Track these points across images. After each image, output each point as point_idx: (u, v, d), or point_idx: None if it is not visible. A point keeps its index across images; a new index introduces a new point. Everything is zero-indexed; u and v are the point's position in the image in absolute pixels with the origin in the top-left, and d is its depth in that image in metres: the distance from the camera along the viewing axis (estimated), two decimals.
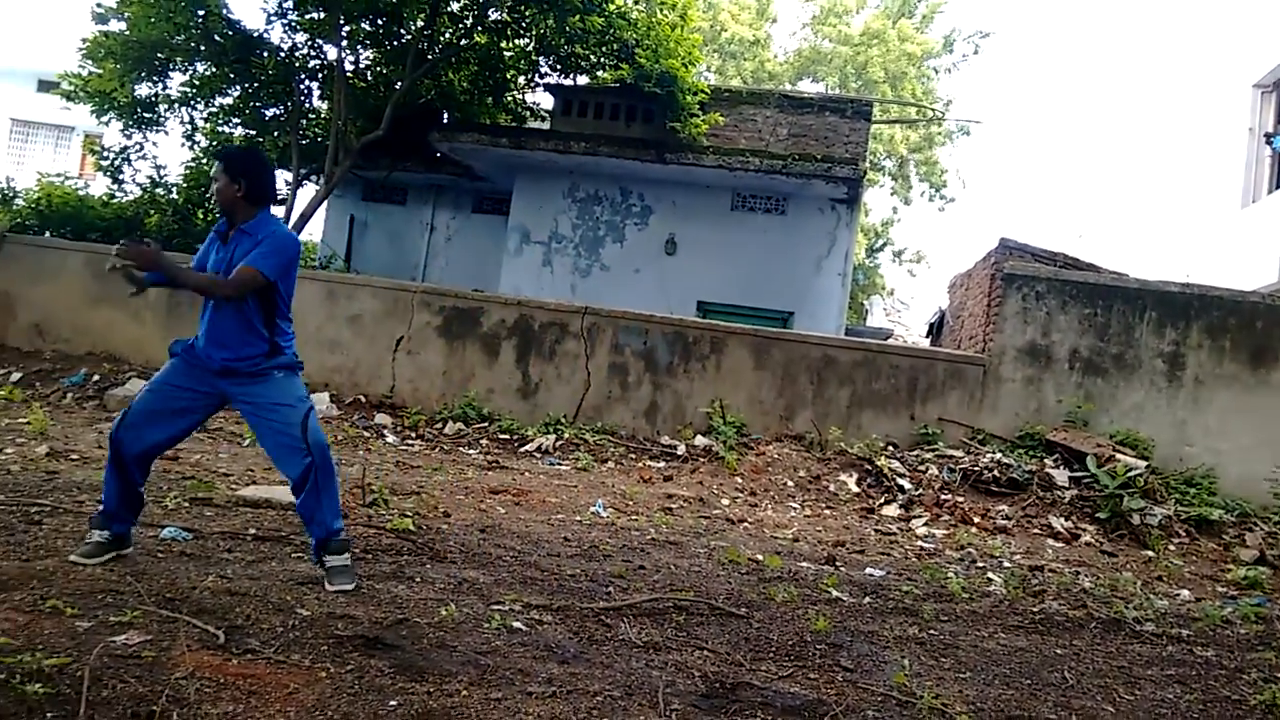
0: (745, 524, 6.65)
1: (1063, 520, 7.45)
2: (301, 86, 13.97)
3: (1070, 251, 11.58)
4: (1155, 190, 21.21)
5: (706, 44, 25.34)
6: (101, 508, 3.82)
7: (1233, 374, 8.73)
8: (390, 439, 8.53)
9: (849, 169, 12.46)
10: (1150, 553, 7.04)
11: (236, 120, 14.28)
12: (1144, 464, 8.05)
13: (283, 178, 13.97)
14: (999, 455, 8.29)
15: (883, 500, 7.71)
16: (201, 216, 13.83)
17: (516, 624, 3.64)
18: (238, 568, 3.93)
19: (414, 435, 8.80)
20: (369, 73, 14.40)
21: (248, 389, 3.86)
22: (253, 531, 4.57)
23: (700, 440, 9.00)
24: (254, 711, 2.58)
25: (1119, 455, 8.07)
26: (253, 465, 6.45)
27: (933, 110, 26.50)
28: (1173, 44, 20.98)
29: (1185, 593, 5.96)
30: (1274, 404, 8.62)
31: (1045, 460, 8.31)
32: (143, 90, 13.57)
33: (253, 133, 14.33)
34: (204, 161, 14.28)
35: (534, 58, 14.11)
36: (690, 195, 13.70)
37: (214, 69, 13.35)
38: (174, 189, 14.05)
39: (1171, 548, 7.24)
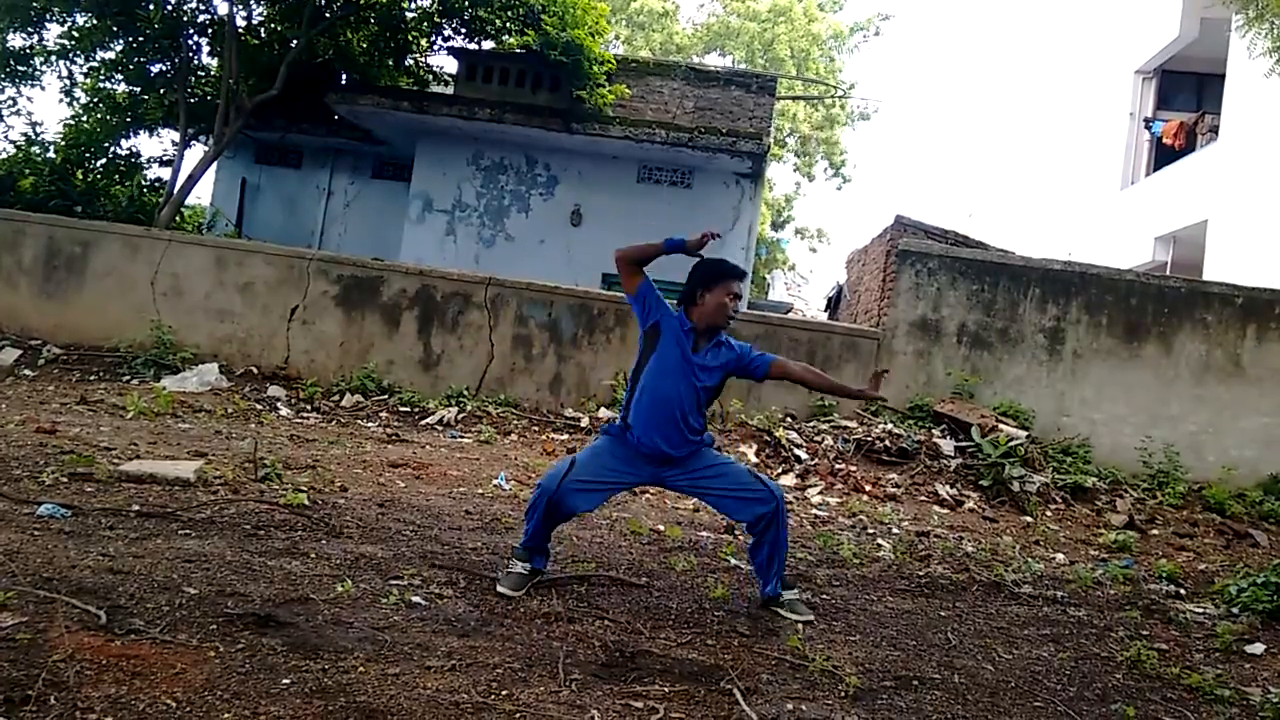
0: (647, 495, 6.73)
1: (948, 488, 7.77)
2: (190, 42, 13.34)
3: (961, 230, 12.00)
4: (1040, 171, 22.08)
5: (615, 13, 25.16)
6: (524, 543, 3.99)
7: (1109, 348, 9.21)
8: (284, 412, 8.31)
9: (753, 143, 12.61)
10: (1029, 518, 7.41)
11: (119, 76, 13.55)
12: (1024, 434, 8.45)
13: (169, 138, 13.37)
14: (890, 426, 8.58)
15: (780, 470, 7.90)
16: (81, 177, 13.11)
17: (416, 599, 3.62)
18: (120, 545, 3.79)
19: (309, 408, 8.59)
20: (262, 29, 13.84)
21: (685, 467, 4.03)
22: (136, 508, 4.40)
23: (604, 412, 9.04)
24: (138, 693, 2.50)
25: (1001, 426, 8.44)
26: (136, 439, 6.20)
27: (835, 88, 26.95)
28: (1059, 30, 21.80)
29: (1060, 556, 6.31)
30: (1145, 377, 9.14)
31: (933, 430, 8.64)
32: (16, 41, 12.76)
33: (136, 89, 13.62)
34: (83, 119, 13.52)
35: (437, 20, 13.78)
36: (597, 166, 13.65)
37: (95, 20, 12.62)
38: (51, 147, 13.28)
39: (1048, 514, 7.63)
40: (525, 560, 3.96)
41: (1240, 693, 3.62)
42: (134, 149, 14.19)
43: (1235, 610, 5.05)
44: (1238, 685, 3.72)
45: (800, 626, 3.89)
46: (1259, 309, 9.14)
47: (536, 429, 8.70)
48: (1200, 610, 5.07)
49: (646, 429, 3.94)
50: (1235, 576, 5.65)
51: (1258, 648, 4.37)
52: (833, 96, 27.06)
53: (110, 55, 13.34)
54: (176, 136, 13.19)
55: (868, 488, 7.59)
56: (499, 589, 3.84)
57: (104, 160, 13.65)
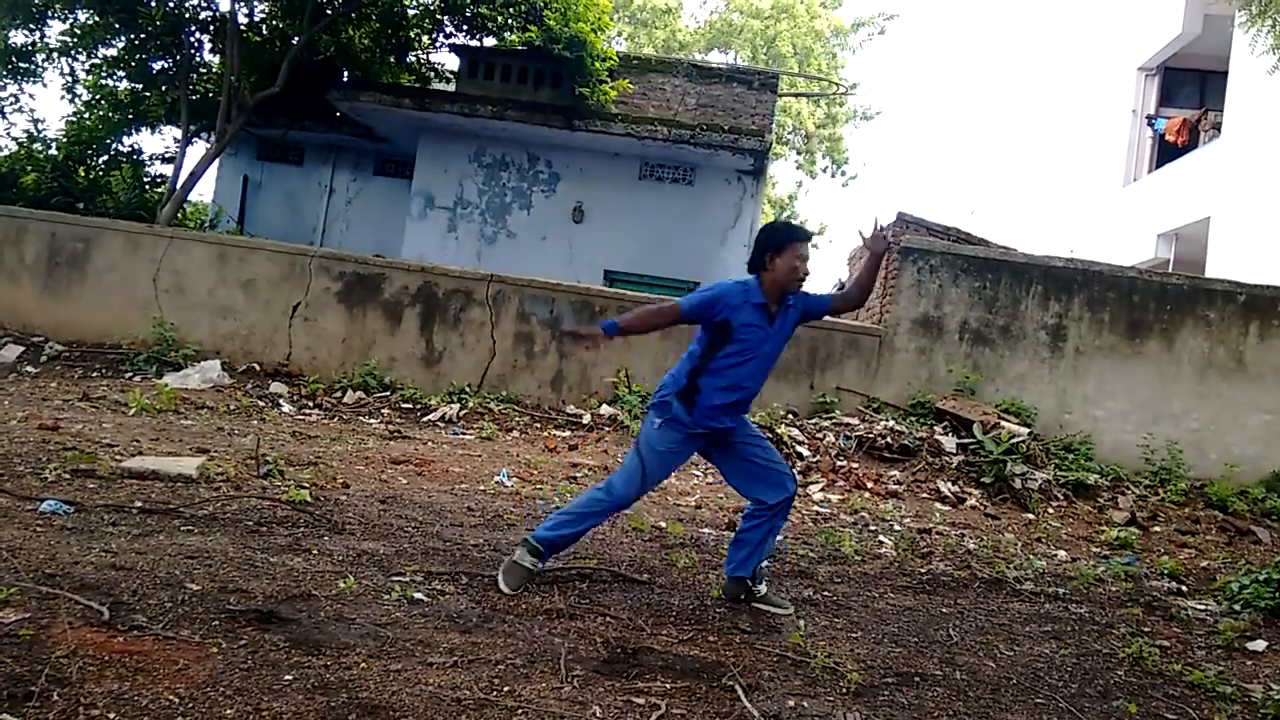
0: (650, 492, 6.73)
1: (950, 485, 7.76)
2: (191, 39, 13.34)
3: (963, 227, 11.97)
4: (1043, 168, 22.05)
5: (618, 10, 25.17)
6: (547, 545, 3.92)
7: (1110, 345, 9.20)
8: (286, 408, 8.32)
9: (755, 140, 12.60)
10: (1030, 515, 7.40)
11: (121, 73, 13.56)
12: (1026, 431, 8.44)
13: (171, 135, 13.37)
14: (892, 423, 8.57)
15: None
16: (83, 174, 13.12)
17: (418, 595, 3.62)
18: (123, 542, 3.79)
19: (311, 404, 8.59)
20: (264, 26, 13.83)
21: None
22: (139, 504, 4.41)
23: (605, 409, 9.04)
24: (140, 689, 2.51)
25: (1003, 423, 8.44)
26: (138, 435, 6.21)
27: (837, 85, 26.93)
28: (1062, 28, 21.77)
29: (1062, 553, 6.30)
30: (1147, 374, 9.13)
31: (935, 427, 8.63)
32: (18, 38, 12.76)
33: (138, 86, 13.63)
34: (85, 115, 13.53)
35: (439, 16, 13.77)
36: (599, 163, 13.64)
37: (97, 18, 12.63)
38: (53, 144, 13.28)
39: (1050, 510, 7.63)
40: (538, 558, 3.91)
41: (1242, 689, 3.62)
42: (136, 146, 14.23)
43: (1237, 607, 5.05)
44: (1239, 682, 3.71)
45: (802, 624, 3.89)
46: (1261, 306, 9.12)
47: (538, 426, 8.71)
48: (1202, 607, 5.07)
49: (717, 411, 3.90)
50: (1237, 573, 5.64)
51: (1259, 645, 4.37)
52: (835, 94, 27.05)
53: (112, 52, 13.34)
54: (178, 133, 13.20)
55: (869, 485, 7.59)
56: (502, 586, 3.82)
57: (106, 157, 13.66)
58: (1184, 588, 5.56)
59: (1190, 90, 16.48)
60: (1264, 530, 7.79)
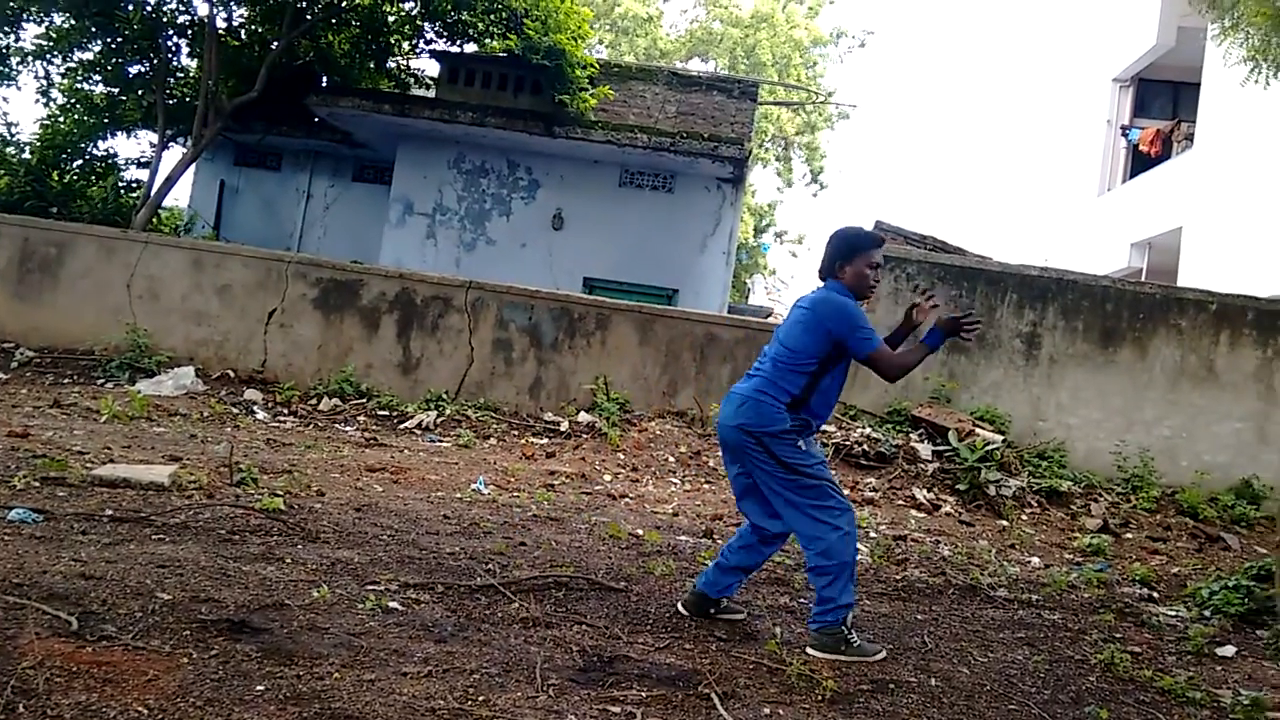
0: (627, 499, 6.73)
1: (925, 492, 7.81)
2: (169, 43, 13.23)
3: (940, 235, 12.07)
4: (1019, 178, 22.30)
5: (599, 18, 25.22)
6: (849, 603, 3.74)
7: (1084, 353, 9.29)
8: (261, 415, 8.26)
9: (735, 149, 12.64)
10: (1005, 522, 7.46)
11: (97, 77, 13.43)
12: (1001, 438, 8.50)
13: (147, 139, 13.26)
14: (869, 430, 8.61)
15: None
16: (57, 178, 12.98)
17: (392, 604, 3.60)
18: (93, 550, 3.75)
19: (287, 412, 8.53)
20: (242, 31, 13.75)
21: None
22: (109, 512, 4.36)
23: (584, 417, 9.03)
24: (109, 700, 2.48)
25: (978, 430, 8.50)
26: (110, 443, 6.14)
27: (816, 93, 27.09)
28: (1038, 39, 22.04)
29: (1035, 560, 6.35)
30: (1120, 382, 9.23)
31: (911, 435, 8.68)
32: None
33: (114, 90, 13.51)
34: (60, 119, 13.39)
35: (419, 23, 13.75)
36: (579, 170, 13.65)
37: (73, 21, 12.52)
38: (27, 148, 13.13)
39: (1024, 517, 7.69)
40: (850, 628, 3.70)
41: (1211, 695, 3.66)
42: (111, 150, 14.07)
43: (1207, 613, 5.11)
44: (1209, 687, 3.76)
45: (778, 631, 3.90)
46: (1232, 315, 9.24)
47: (516, 433, 8.69)
48: (1173, 613, 5.13)
49: (824, 417, 3.95)
50: (1207, 580, 5.71)
51: (1229, 650, 4.42)
52: (814, 102, 27.21)
53: (88, 56, 13.21)
54: (154, 138, 13.08)
55: (846, 491, 7.61)
56: (873, 659, 3.67)
57: (80, 161, 13.52)
58: (1155, 594, 5.62)
59: (1164, 101, 16.71)
60: (1233, 537, 7.89)
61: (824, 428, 8.73)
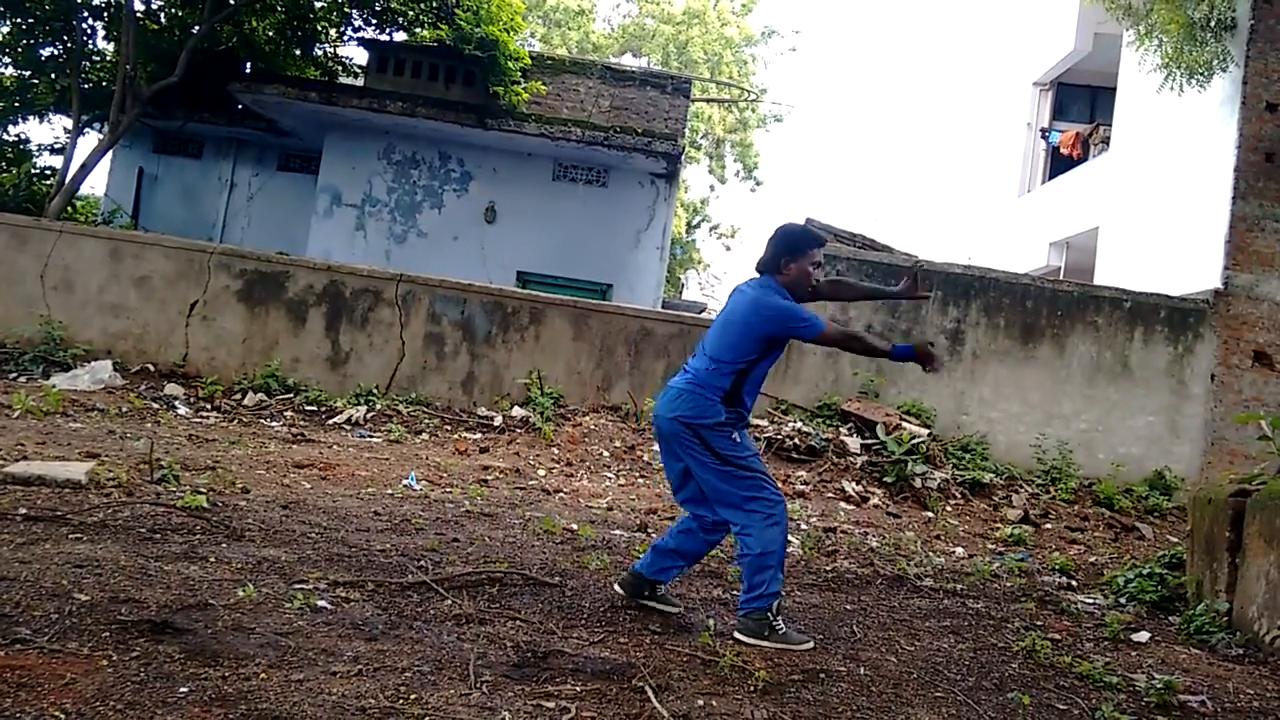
0: (561, 494, 6.71)
1: (854, 485, 7.95)
2: (84, 25, 12.74)
3: (868, 233, 12.28)
4: (943, 178, 22.82)
5: (531, 10, 25.02)
6: (777, 593, 3.78)
7: (1005, 349, 9.56)
8: (182, 411, 8.02)
9: (669, 144, 12.69)
10: (930, 514, 7.64)
11: (7, 59, 12.88)
12: (926, 432, 8.71)
13: (61, 124, 12.75)
14: (800, 424, 8.74)
15: None
16: None
17: (321, 603, 3.53)
18: (5, 551, 3.60)
19: (209, 407, 8.30)
20: (162, 14, 13.33)
21: None
22: (23, 511, 4.19)
23: (518, 411, 8.98)
24: (24, 706, 2.38)
25: (905, 424, 8.69)
26: (23, 439, 5.90)
27: (748, 91, 27.33)
28: (961, 43, 22.60)
29: (960, 550, 6.52)
30: (1040, 377, 9.52)
31: (840, 429, 8.84)
32: None
33: (26, 73, 12.95)
34: None
35: (346, 9, 13.48)
36: (512, 163, 13.54)
37: None
38: None
39: (949, 509, 7.88)
40: (775, 615, 3.75)
41: (1127, 679, 3.80)
42: (23, 135, 13.53)
43: (1123, 600, 5.31)
44: (1125, 672, 3.90)
45: (711, 623, 3.93)
46: (1146, 313, 9.61)
47: (449, 428, 8.59)
48: (1090, 601, 5.31)
49: (751, 406, 4.03)
50: (1123, 568, 5.93)
51: (1143, 636, 4.60)
52: (745, 101, 27.44)
53: None
54: (69, 123, 12.60)
55: (778, 485, 7.72)
56: (798, 648, 3.69)
57: None
58: (1074, 582, 5.82)
59: (1082, 105, 17.23)
60: (1147, 526, 8.21)
61: (756, 421, 8.83)
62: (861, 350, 4.17)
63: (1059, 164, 16.59)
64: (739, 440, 3.89)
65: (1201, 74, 10.03)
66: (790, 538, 6.06)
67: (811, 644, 3.78)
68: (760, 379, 4.00)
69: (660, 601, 4.07)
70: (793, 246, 3.95)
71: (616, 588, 4.11)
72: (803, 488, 7.76)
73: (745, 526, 3.79)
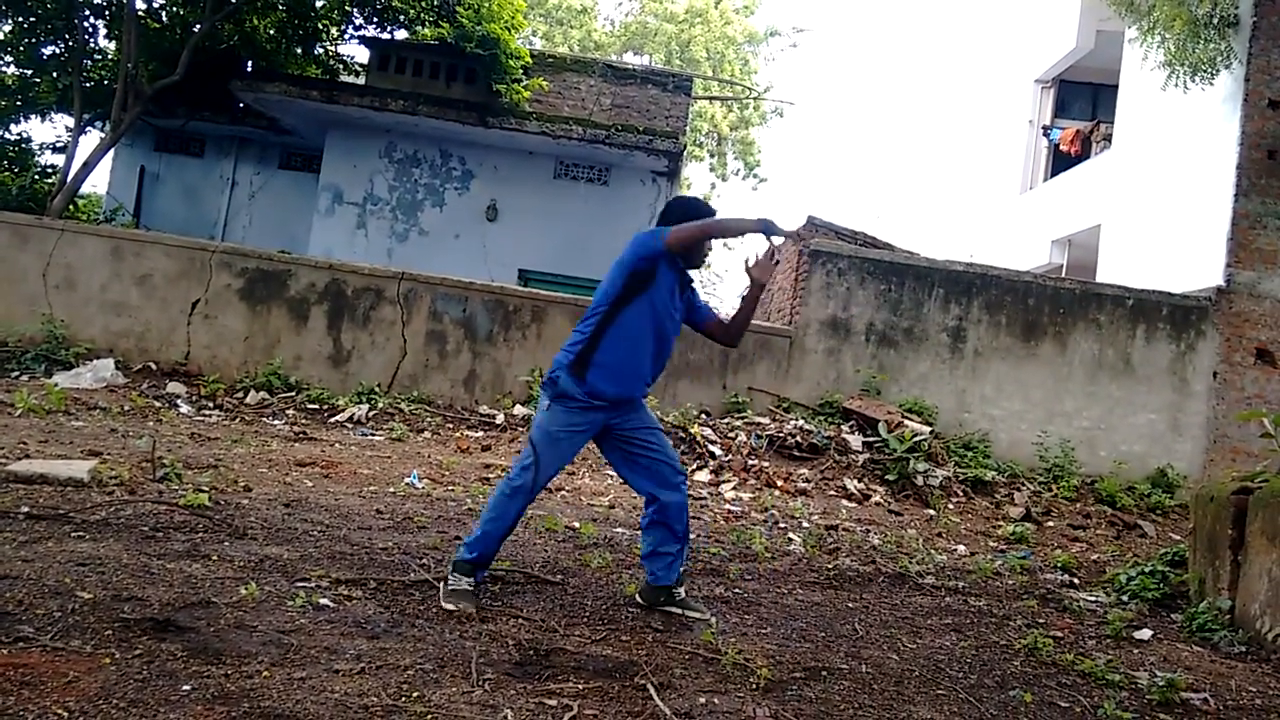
0: (563, 492, 6.72)
1: (856, 482, 7.95)
2: (85, 23, 12.74)
3: (870, 231, 12.27)
4: (945, 175, 22.79)
5: (534, 8, 25.03)
6: (476, 557, 3.76)
7: (1007, 346, 9.56)
8: (184, 409, 8.02)
9: (670, 142, 12.68)
10: (932, 511, 7.64)
11: (9, 58, 12.88)
12: (928, 429, 8.71)
13: (63, 123, 12.76)
14: (802, 422, 8.74)
15: (695, 466, 7.97)
16: None
17: (323, 601, 3.54)
18: (8, 549, 3.60)
19: (211, 405, 8.31)
20: (164, 13, 13.32)
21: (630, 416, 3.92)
22: (26, 509, 4.19)
23: (520, 410, 8.98)
24: (26, 704, 2.38)
25: (907, 422, 8.69)
26: (25, 437, 5.90)
27: (749, 89, 27.31)
28: (964, 41, 22.57)
29: (961, 548, 6.52)
30: (1042, 374, 9.52)
31: (842, 427, 8.83)
32: None
33: (27, 72, 12.96)
34: None
35: (348, 7, 13.47)
36: (513, 161, 13.54)
37: None
38: None
39: (950, 506, 7.88)
40: (470, 575, 3.76)
41: (1129, 677, 3.79)
42: (25, 134, 13.54)
43: (1125, 598, 5.30)
44: (1127, 670, 3.90)
45: (714, 620, 3.93)
46: (1148, 310, 9.60)
47: (450, 426, 8.59)
48: (1093, 598, 5.31)
49: (618, 377, 3.79)
50: (1125, 566, 5.92)
51: (1145, 633, 4.60)
52: (747, 99, 27.42)
53: None
54: (71, 121, 12.60)
55: (779, 483, 7.72)
56: (453, 607, 3.63)
57: None
58: (1076, 580, 5.81)
59: (1083, 103, 17.21)
60: (1149, 524, 8.21)
61: (758, 419, 8.83)
62: (721, 232, 3.92)
63: (1061, 161, 16.57)
64: (546, 409, 3.86)
65: (1206, 71, 10.02)
66: (792, 535, 6.07)
67: (471, 608, 3.64)
68: (626, 339, 3.79)
69: (687, 607, 4.00)
70: (685, 215, 3.89)
71: (639, 598, 4.07)
72: (805, 485, 7.76)
73: (504, 480, 3.87)
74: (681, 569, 4.05)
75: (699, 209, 3.96)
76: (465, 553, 3.79)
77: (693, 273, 4.05)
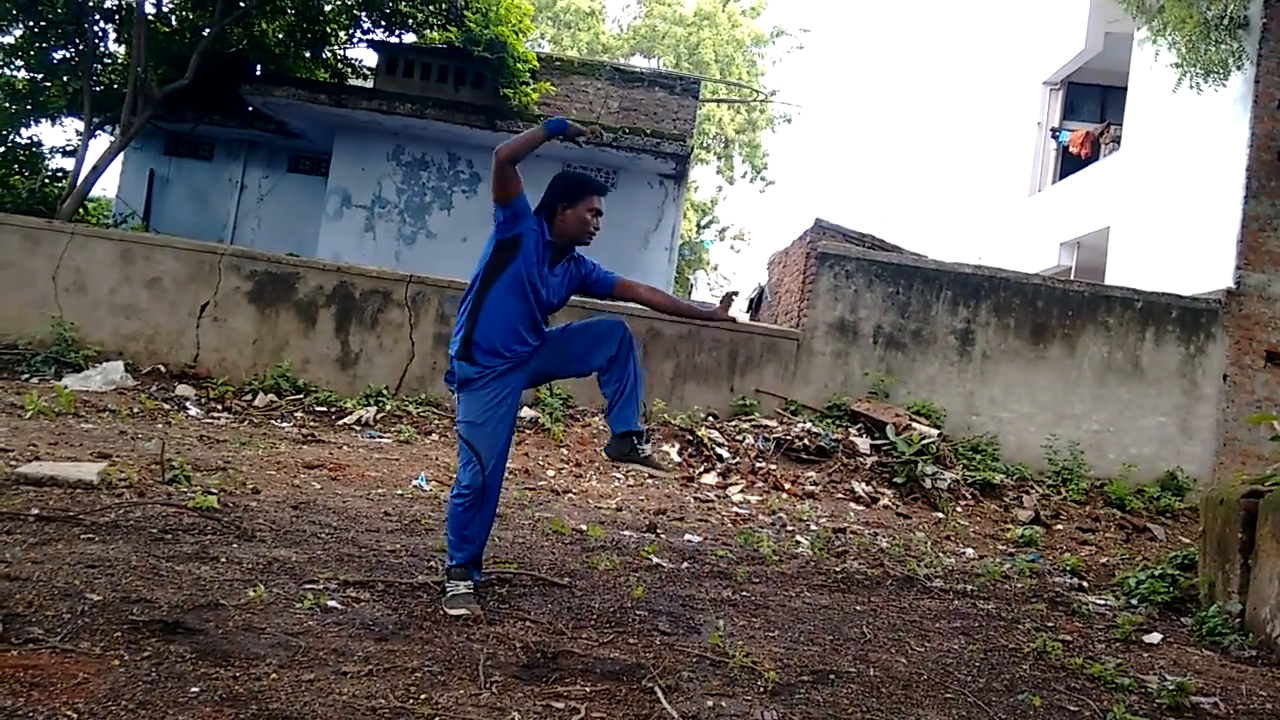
0: (570, 495, 6.72)
1: (864, 485, 7.94)
2: (95, 28, 12.81)
3: (878, 233, 12.26)
4: (953, 177, 22.75)
5: (541, 11, 25.08)
6: (465, 558, 3.77)
7: (1015, 349, 9.53)
8: (193, 411, 8.05)
9: (678, 145, 12.68)
10: (940, 514, 7.62)
11: (19, 62, 12.95)
12: (936, 432, 8.68)
13: (73, 127, 12.83)
14: (809, 425, 8.72)
15: (702, 469, 7.97)
16: None
17: (331, 603, 3.54)
18: (18, 551, 3.62)
19: (220, 408, 8.34)
20: (173, 17, 13.38)
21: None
22: (35, 511, 4.21)
23: (527, 412, 8.98)
24: (36, 705, 2.40)
25: (915, 424, 8.67)
26: (35, 439, 5.93)
27: (757, 92, 27.31)
28: (972, 43, 22.53)
29: (970, 551, 6.50)
30: (1050, 377, 9.49)
31: (850, 429, 8.82)
32: None
33: (38, 76, 13.03)
34: None
35: (356, 11, 13.53)
36: (520, 164, 13.54)
37: None
38: None
39: (959, 509, 7.86)
40: (466, 578, 3.75)
41: (1139, 681, 3.78)
42: (35, 138, 13.62)
43: (1134, 602, 5.28)
44: (1137, 673, 3.88)
45: (721, 624, 3.93)
46: (1157, 312, 9.56)
47: None
48: (1102, 602, 5.28)
49: (503, 347, 3.80)
50: (1134, 569, 5.90)
51: (1155, 637, 4.57)
52: (755, 101, 27.42)
53: (9, 40, 12.75)
54: (81, 125, 12.67)
55: (787, 485, 7.71)
56: (457, 613, 3.60)
57: (3, 149, 13.04)
58: (1085, 583, 5.79)
59: (1092, 104, 17.16)
60: (1159, 527, 8.17)
61: (766, 422, 8.82)
62: (525, 145, 3.78)
63: (1069, 163, 16.52)
64: (459, 402, 3.86)
65: (1218, 72, 9.97)
66: (800, 538, 6.06)
67: (469, 613, 3.61)
68: (501, 311, 3.79)
69: (649, 464, 4.08)
70: (570, 191, 3.87)
71: (606, 453, 4.12)
72: (812, 488, 7.74)
73: (452, 496, 3.85)
74: (645, 426, 4.08)
75: (585, 186, 3.93)
76: (452, 559, 3.80)
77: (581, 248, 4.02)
